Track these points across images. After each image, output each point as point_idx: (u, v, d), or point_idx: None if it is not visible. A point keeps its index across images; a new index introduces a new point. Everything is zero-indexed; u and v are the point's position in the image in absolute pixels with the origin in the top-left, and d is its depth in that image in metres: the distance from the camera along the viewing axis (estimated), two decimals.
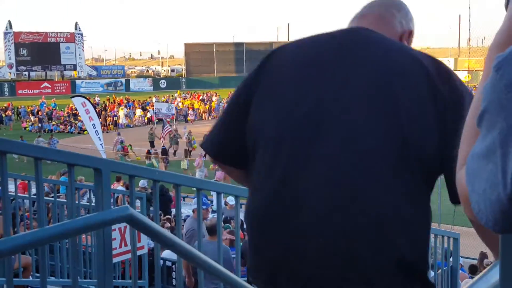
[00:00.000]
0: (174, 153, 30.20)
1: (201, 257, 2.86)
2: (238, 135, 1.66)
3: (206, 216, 11.19)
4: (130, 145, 30.75)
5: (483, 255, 10.33)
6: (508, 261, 0.90)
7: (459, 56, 75.84)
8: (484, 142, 0.84)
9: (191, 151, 29.27)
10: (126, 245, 4.49)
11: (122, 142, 30.89)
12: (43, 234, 2.14)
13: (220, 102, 53.22)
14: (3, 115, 46.07)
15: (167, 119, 32.43)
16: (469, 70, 66.81)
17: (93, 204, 6.92)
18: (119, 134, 33.15)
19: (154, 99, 52.64)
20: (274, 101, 1.60)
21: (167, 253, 7.62)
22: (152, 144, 31.24)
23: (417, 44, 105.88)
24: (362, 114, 1.49)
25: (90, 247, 6.70)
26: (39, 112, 47.06)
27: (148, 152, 28.68)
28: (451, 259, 6.71)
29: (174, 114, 35.66)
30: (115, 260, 3.24)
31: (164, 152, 28.42)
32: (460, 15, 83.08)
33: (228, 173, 1.84)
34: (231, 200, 11.79)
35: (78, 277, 5.19)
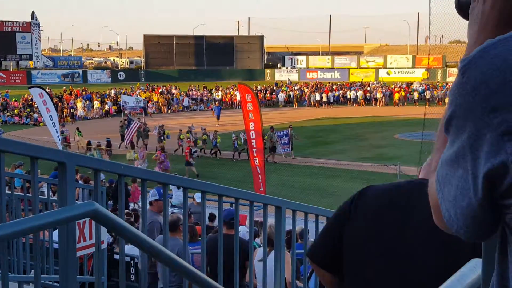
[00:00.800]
0: (146, 147, 29.66)
1: (166, 253, 2.84)
2: (334, 249, 1.99)
3: (162, 209, 11.02)
4: (79, 130, 30.15)
5: None
6: (489, 261, 0.92)
7: (417, 54, 77.28)
8: (453, 147, 0.82)
9: (162, 146, 28.92)
10: (85, 239, 4.43)
11: (63, 132, 30.30)
12: (9, 230, 2.09)
13: (180, 95, 52.85)
14: None
15: (135, 112, 31.88)
16: (428, 68, 68.18)
17: (52, 198, 6.77)
18: (63, 125, 32.37)
19: (112, 91, 51.96)
20: (373, 242, 1.89)
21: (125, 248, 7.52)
22: (123, 138, 30.21)
23: (375, 41, 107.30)
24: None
25: (47, 241, 6.54)
26: None
27: (89, 142, 28.03)
28: None
29: (142, 107, 34.90)
30: (77, 254, 3.18)
31: (109, 144, 27.81)
32: (418, 13, 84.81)
33: (320, 276, 2.16)
34: (198, 196, 11.69)
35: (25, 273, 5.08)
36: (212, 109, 43.81)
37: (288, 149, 27.81)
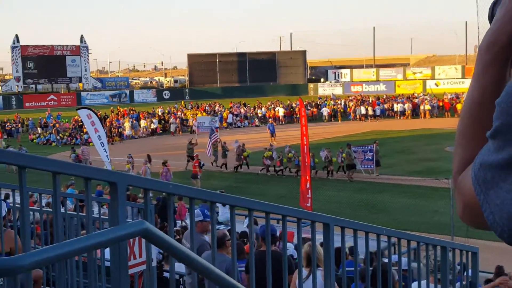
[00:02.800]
0: (225, 166, 29.83)
1: (216, 272, 2.88)
2: None
3: (208, 229, 11.06)
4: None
5: (499, 269, 10.14)
6: None
7: (466, 64, 75.71)
8: (501, 154, 0.83)
9: (242, 164, 28.86)
10: (135, 257, 4.51)
11: (74, 151, 31.82)
12: (65, 250, 2.16)
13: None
14: (12, 128, 46.46)
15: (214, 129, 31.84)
16: None
17: (103, 217, 6.92)
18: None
19: (159, 110, 52.86)
20: None
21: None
22: (192, 158, 29.45)
23: (422, 52, 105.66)
24: None
25: (99, 259, 6.67)
26: (47, 124, 47.38)
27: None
28: (469, 274, 6.54)
29: (217, 127, 34.32)
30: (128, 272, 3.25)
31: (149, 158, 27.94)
32: (466, 22, 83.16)
33: None
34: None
35: None
36: (267, 127, 43.68)
37: (372, 166, 26.56)
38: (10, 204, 7.10)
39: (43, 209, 6.42)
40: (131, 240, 4.15)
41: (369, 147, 26.75)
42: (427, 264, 5.77)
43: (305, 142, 17.76)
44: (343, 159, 26.80)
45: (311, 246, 4.64)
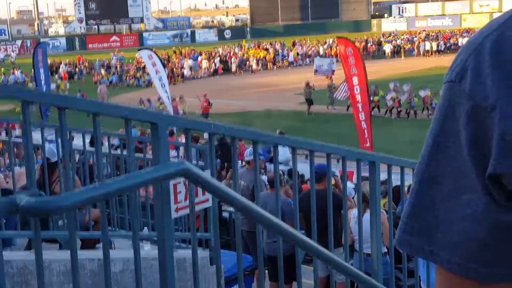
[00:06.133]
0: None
1: (260, 212, 2.84)
2: None
3: (262, 167, 11.05)
4: None
5: None
6: None
7: None
8: None
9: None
10: (186, 199, 4.54)
11: (79, 90, 31.58)
12: (105, 190, 2.16)
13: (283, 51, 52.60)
14: (72, 71, 47.51)
15: (328, 75, 30.95)
16: None
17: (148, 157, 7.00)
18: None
19: (220, 50, 52.83)
20: None
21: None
22: (310, 101, 28.51)
23: None
24: None
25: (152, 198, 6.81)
26: (110, 65, 48.21)
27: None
28: None
29: (334, 70, 32.47)
30: (178, 214, 3.26)
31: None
32: None
33: None
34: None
35: (140, 229, 5.33)
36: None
37: None
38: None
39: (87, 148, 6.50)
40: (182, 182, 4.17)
41: None
42: None
43: (354, 83, 17.05)
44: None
45: (364, 185, 4.56)
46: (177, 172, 2.54)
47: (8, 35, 72.86)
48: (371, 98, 26.11)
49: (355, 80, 16.96)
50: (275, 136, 3.65)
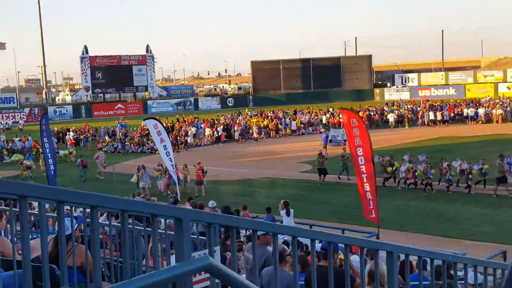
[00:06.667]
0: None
1: None
2: None
3: (270, 241, 10.88)
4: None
5: None
6: None
7: None
8: None
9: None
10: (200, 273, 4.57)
11: (81, 156, 33.68)
12: (134, 286, 2.21)
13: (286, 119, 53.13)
14: (78, 138, 48.03)
15: (343, 146, 30.77)
16: None
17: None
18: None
19: (222, 118, 53.51)
20: None
21: None
22: (324, 171, 27.81)
23: (493, 54, 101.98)
24: None
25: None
26: (115, 133, 48.74)
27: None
28: None
29: (346, 140, 33.38)
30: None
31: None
32: None
33: None
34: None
35: None
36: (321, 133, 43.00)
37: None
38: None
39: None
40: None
41: None
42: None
43: (359, 153, 17.11)
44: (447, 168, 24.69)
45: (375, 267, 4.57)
46: (202, 267, 2.62)
47: (17, 102, 74.18)
48: (385, 169, 26.19)
49: (359, 151, 17.06)
50: (294, 228, 3.72)
